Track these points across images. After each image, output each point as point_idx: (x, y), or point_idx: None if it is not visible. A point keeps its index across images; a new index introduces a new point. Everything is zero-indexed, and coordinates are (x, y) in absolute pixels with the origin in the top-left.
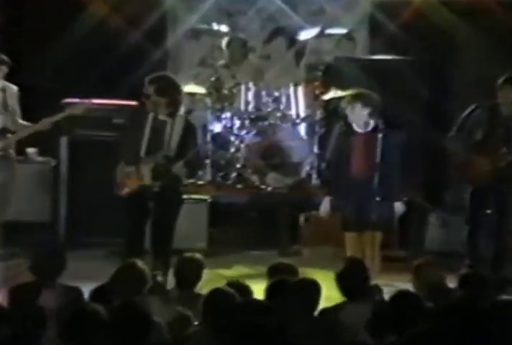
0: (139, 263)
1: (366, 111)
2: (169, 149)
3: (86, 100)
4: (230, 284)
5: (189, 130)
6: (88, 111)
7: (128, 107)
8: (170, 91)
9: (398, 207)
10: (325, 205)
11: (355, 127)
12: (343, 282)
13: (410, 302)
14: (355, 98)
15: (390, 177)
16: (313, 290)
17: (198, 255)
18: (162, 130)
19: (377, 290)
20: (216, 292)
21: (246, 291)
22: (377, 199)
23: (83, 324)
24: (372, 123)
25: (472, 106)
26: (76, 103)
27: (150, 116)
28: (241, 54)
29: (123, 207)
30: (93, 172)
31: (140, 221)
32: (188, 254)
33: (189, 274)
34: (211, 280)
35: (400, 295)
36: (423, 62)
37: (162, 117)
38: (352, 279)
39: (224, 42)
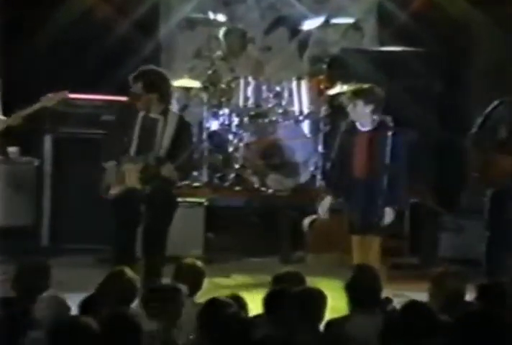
0: (129, 271)
1: (369, 109)
2: (160, 150)
3: (60, 92)
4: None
5: (183, 128)
6: (60, 104)
7: (117, 103)
8: (160, 85)
9: (388, 214)
10: (323, 206)
11: (358, 125)
12: (351, 291)
13: (422, 314)
14: (356, 94)
15: (396, 179)
16: (317, 299)
17: (198, 261)
18: (153, 129)
19: (388, 300)
20: (213, 303)
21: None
22: (381, 202)
23: (75, 340)
24: (375, 120)
25: (496, 102)
26: (50, 95)
27: (140, 114)
28: (240, 46)
29: (112, 211)
30: (80, 173)
31: (130, 226)
32: (188, 260)
33: (189, 281)
34: (207, 290)
35: (412, 306)
36: (436, 54)
37: (153, 115)
38: (362, 289)
39: (222, 32)
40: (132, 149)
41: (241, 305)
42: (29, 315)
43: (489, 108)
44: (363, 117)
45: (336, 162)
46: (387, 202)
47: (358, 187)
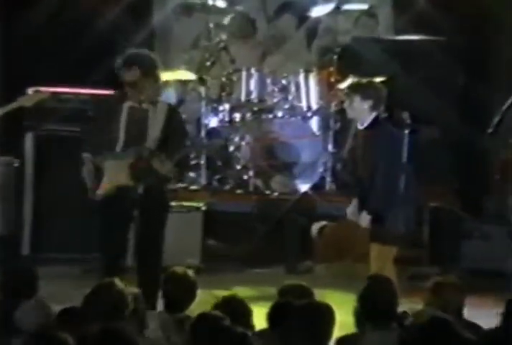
0: (118, 282)
1: (367, 105)
2: (152, 142)
3: (41, 92)
4: (225, 301)
5: (175, 119)
6: (43, 102)
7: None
8: (155, 70)
9: (363, 218)
10: (353, 206)
11: (357, 124)
12: (365, 304)
13: (444, 331)
14: (353, 89)
15: (405, 181)
16: (324, 314)
17: (189, 270)
18: (143, 120)
19: (405, 314)
20: (202, 318)
21: (243, 310)
22: (395, 208)
23: None
24: (372, 117)
25: None
26: (30, 94)
27: (126, 105)
28: (248, 34)
29: (100, 213)
30: (66, 175)
31: (121, 231)
32: (177, 269)
33: (180, 293)
34: (204, 303)
35: (433, 322)
36: (457, 44)
37: (144, 105)
38: (376, 302)
39: (227, 19)
40: (119, 143)
41: (242, 308)
42: (11, 321)
43: (506, 104)
44: (361, 114)
45: (346, 163)
46: (396, 205)
47: (365, 190)
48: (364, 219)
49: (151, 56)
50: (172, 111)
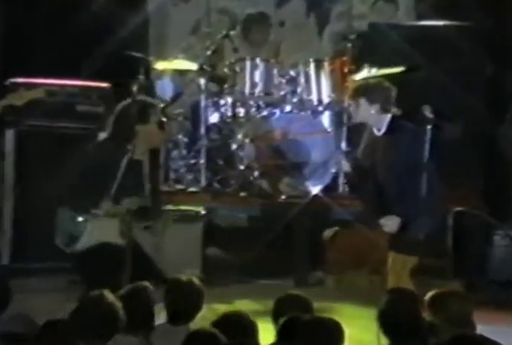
0: (108, 294)
1: (374, 109)
2: None
3: (36, 89)
4: (226, 317)
5: None
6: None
7: (96, 89)
8: None
9: (392, 222)
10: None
11: (373, 129)
12: (386, 320)
13: None
14: (358, 92)
15: (431, 186)
16: (331, 331)
17: (195, 278)
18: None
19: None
20: (194, 336)
21: (247, 326)
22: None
23: None
24: (387, 121)
25: None
26: (20, 90)
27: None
28: (264, 37)
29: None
30: (50, 176)
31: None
32: (181, 277)
33: (185, 304)
34: (204, 318)
35: (460, 340)
36: (485, 30)
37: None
38: (399, 317)
39: (242, 20)
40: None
41: (246, 325)
42: None
43: None
44: (369, 118)
45: (362, 164)
46: (417, 210)
47: (382, 195)
48: (393, 223)
49: None
50: None
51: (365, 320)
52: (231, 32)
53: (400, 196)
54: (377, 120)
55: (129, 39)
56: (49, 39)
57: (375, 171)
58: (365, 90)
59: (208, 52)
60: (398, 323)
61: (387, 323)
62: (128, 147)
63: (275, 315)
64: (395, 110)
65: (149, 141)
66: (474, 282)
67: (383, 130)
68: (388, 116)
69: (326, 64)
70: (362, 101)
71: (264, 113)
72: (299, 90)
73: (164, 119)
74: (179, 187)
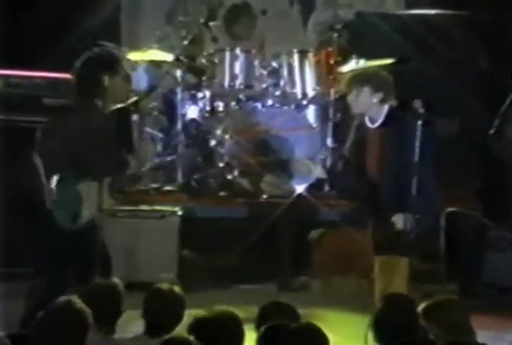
0: (77, 300)
1: (377, 98)
2: None
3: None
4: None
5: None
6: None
7: (65, 82)
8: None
9: (400, 219)
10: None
11: (366, 121)
12: (381, 327)
13: None
14: (361, 79)
15: (424, 183)
16: (314, 339)
17: (175, 286)
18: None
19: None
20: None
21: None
22: (408, 214)
23: None
24: (385, 111)
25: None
26: None
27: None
28: (249, 30)
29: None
30: (15, 176)
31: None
32: (161, 286)
33: (165, 315)
34: (181, 325)
35: None
36: (481, 20)
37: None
38: (394, 325)
39: (224, 11)
40: None
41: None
42: None
43: (508, 101)
44: (369, 109)
45: (349, 162)
46: (412, 211)
47: (375, 194)
48: (406, 220)
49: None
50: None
51: (352, 327)
52: (211, 23)
53: (400, 194)
54: (376, 110)
55: (99, 27)
56: (15, 28)
57: (366, 168)
58: (368, 78)
59: (185, 42)
60: (394, 331)
61: (381, 331)
62: (97, 102)
63: (259, 324)
64: (392, 101)
65: (116, 95)
66: (468, 287)
67: (380, 122)
68: (386, 107)
69: (310, 55)
70: (366, 89)
71: (245, 107)
72: (282, 82)
73: (129, 72)
74: (154, 185)
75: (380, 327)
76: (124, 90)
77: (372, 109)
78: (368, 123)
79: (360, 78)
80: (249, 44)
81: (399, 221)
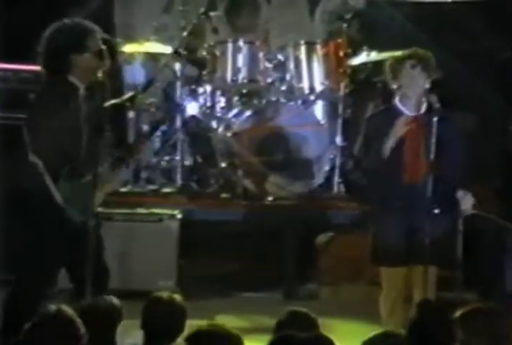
0: (67, 309)
1: (428, 83)
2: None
3: None
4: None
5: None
6: None
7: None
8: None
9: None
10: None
11: (402, 107)
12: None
13: None
14: (412, 56)
15: (452, 182)
16: None
17: (176, 295)
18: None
19: None
20: None
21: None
22: (435, 214)
23: None
24: (425, 100)
25: None
26: None
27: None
28: (253, 20)
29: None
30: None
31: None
32: (161, 294)
33: (166, 324)
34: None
35: None
36: (501, 6)
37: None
38: (431, 336)
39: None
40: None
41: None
42: None
43: None
44: (419, 90)
45: (366, 159)
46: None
47: (404, 195)
48: (469, 200)
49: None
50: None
51: (363, 337)
52: (211, 13)
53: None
54: (422, 99)
55: (91, 17)
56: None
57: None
58: (424, 59)
59: (184, 34)
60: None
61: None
62: (68, 79)
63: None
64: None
65: (86, 72)
66: (487, 294)
67: (418, 111)
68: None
69: (318, 47)
70: (423, 74)
71: (249, 103)
72: (288, 76)
73: (103, 47)
74: (151, 187)
75: (414, 335)
76: (95, 66)
77: (420, 91)
78: (405, 109)
79: (417, 57)
80: (252, 35)
81: (465, 200)
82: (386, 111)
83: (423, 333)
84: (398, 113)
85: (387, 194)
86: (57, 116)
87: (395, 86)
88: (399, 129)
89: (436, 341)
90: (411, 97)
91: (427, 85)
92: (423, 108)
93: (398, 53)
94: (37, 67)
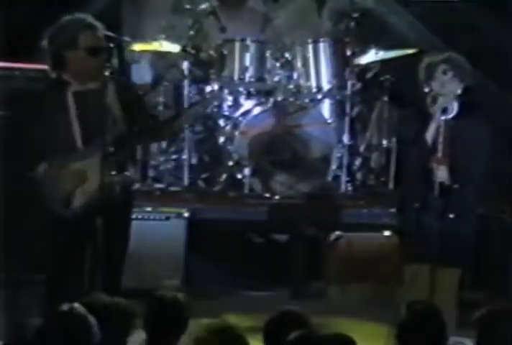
0: (80, 308)
1: (460, 89)
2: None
3: None
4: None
5: (130, 95)
6: None
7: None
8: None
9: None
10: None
11: (432, 110)
12: (406, 337)
13: None
14: (446, 62)
15: (473, 185)
16: None
17: (179, 294)
18: (96, 105)
19: None
20: None
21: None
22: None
23: None
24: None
25: None
26: None
27: (69, 91)
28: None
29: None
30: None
31: (80, 246)
32: (164, 293)
33: (169, 323)
34: (187, 335)
35: None
36: None
37: (91, 85)
38: (421, 335)
39: None
40: (78, 138)
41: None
42: None
43: None
44: (450, 99)
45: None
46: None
47: (432, 195)
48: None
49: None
50: (125, 86)
51: (371, 338)
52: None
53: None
54: (454, 101)
55: (98, 16)
56: (7, 17)
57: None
58: (452, 60)
59: (192, 32)
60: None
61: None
62: (65, 77)
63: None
64: None
65: (80, 70)
66: (497, 295)
67: (454, 112)
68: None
69: (326, 45)
70: (455, 79)
71: (256, 101)
72: (295, 75)
73: (101, 44)
74: (158, 186)
75: (404, 337)
76: (89, 65)
77: (451, 97)
78: (439, 115)
79: (451, 61)
80: (260, 34)
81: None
82: (416, 113)
83: (413, 333)
84: (427, 116)
85: (418, 194)
86: (35, 111)
87: (426, 90)
88: (430, 134)
89: (426, 341)
90: (441, 101)
91: (459, 91)
92: (453, 112)
93: (433, 57)
94: (37, 65)
